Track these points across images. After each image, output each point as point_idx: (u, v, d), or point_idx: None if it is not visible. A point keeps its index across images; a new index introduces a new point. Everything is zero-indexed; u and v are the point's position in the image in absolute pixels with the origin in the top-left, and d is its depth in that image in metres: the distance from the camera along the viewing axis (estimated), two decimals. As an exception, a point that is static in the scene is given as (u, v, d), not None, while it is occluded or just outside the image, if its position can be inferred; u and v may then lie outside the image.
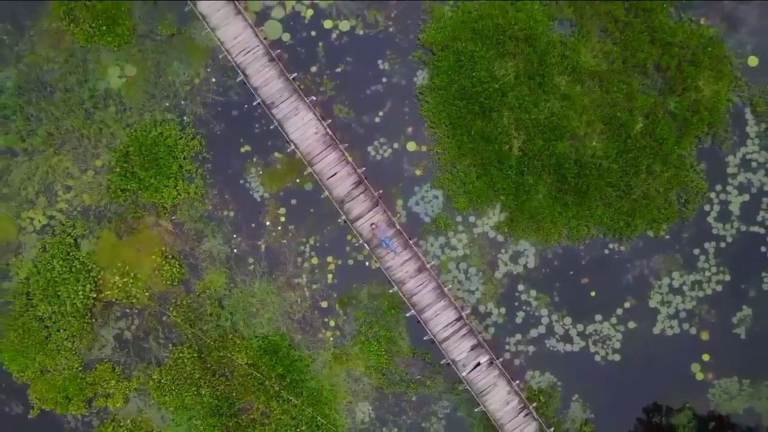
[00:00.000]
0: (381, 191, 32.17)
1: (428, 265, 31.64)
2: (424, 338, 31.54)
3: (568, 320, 32.12)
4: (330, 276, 32.65)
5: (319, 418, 31.37)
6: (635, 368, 31.73)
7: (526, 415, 30.77)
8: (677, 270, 32.16)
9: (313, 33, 33.63)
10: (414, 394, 32.03)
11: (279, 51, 32.91)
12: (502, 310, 32.27)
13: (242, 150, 33.22)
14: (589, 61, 32.45)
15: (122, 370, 32.44)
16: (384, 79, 33.44)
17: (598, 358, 31.92)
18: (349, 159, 32.04)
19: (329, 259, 32.75)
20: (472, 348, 31.19)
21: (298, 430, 31.62)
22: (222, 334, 32.16)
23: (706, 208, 32.30)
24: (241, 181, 33.13)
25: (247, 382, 31.75)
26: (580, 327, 32.05)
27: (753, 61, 32.65)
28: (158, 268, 32.37)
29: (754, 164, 32.32)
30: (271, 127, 32.70)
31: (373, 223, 31.87)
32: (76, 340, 32.32)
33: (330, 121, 32.50)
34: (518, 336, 32.14)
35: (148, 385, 32.21)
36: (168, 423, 32.26)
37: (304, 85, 33.06)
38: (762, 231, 32.10)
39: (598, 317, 32.07)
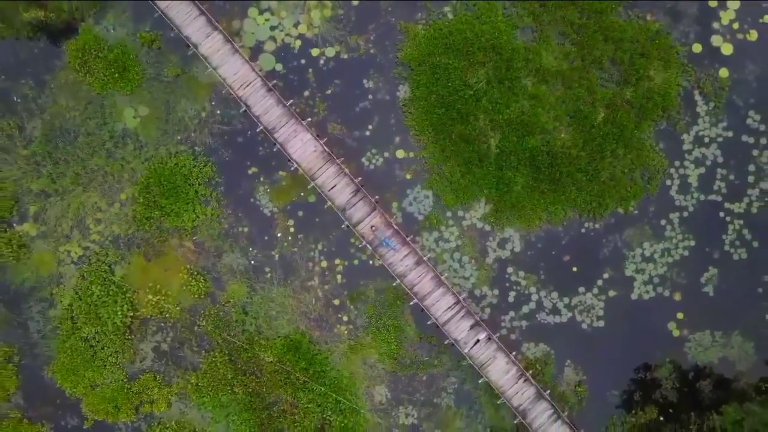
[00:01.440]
0: (377, 196, 35.15)
1: (425, 258, 34.65)
2: (428, 323, 34.67)
3: (554, 295, 35.28)
4: (339, 276, 35.74)
5: (343, 400, 34.57)
6: (618, 331, 34.92)
7: (525, 381, 34.05)
8: (647, 240, 35.30)
9: (303, 61, 36.57)
10: (424, 374, 35.19)
11: (275, 81, 35.92)
12: (495, 291, 35.46)
13: (250, 172, 36.26)
14: (551, 62, 35.58)
15: (163, 378, 35.71)
16: (370, 96, 36.42)
17: (584, 326, 35.11)
18: (346, 171, 34.97)
19: (337, 261, 35.80)
20: (471, 327, 34.35)
21: (325, 415, 34.91)
22: (248, 337, 35.38)
23: (668, 182, 35.44)
24: (252, 200, 36.14)
25: (275, 377, 35.03)
26: (566, 300, 35.23)
27: (697, 47, 35.75)
28: (185, 284, 35.62)
29: (706, 140, 35.49)
30: (274, 150, 35.75)
31: (372, 226, 34.84)
32: (119, 355, 35.58)
33: (326, 139, 35.43)
34: (512, 313, 35.32)
35: (187, 389, 35.50)
36: (208, 421, 35.54)
37: (299, 109, 35.96)
38: (719, 199, 35.27)
39: (581, 289, 35.25)
